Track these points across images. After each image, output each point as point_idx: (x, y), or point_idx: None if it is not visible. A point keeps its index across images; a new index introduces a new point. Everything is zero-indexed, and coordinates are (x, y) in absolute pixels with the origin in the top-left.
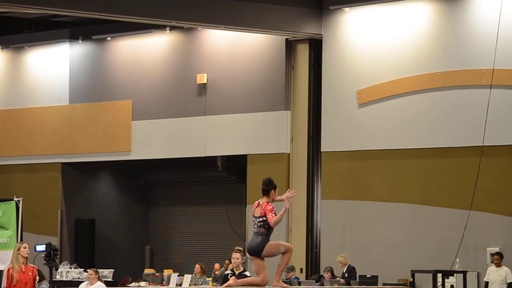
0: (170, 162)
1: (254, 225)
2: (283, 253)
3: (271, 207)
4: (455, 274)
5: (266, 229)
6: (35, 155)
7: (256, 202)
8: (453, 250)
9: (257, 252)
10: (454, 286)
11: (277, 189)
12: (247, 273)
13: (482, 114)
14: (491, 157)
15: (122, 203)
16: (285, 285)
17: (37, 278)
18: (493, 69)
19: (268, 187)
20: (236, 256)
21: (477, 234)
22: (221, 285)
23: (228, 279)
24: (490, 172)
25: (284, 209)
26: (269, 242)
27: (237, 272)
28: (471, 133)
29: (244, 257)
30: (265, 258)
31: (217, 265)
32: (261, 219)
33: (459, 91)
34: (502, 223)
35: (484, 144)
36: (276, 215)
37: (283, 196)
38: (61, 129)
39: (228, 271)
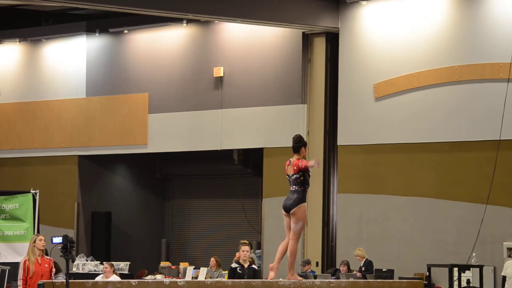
0: (186, 155)
1: (290, 183)
2: (290, 241)
3: (303, 162)
4: (471, 269)
5: (302, 186)
6: (52, 147)
7: (288, 161)
8: (470, 244)
9: (290, 208)
10: (471, 280)
11: (307, 146)
12: (254, 266)
13: (499, 108)
14: (508, 151)
15: (138, 196)
16: (300, 278)
17: (54, 270)
18: (511, 62)
19: (299, 144)
20: (247, 249)
21: (493, 228)
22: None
23: (236, 272)
24: (507, 166)
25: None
26: (302, 206)
27: (245, 266)
28: (488, 127)
29: (258, 250)
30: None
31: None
32: (295, 176)
33: (476, 84)
34: None
35: (501, 138)
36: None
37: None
38: (78, 122)
39: (235, 264)
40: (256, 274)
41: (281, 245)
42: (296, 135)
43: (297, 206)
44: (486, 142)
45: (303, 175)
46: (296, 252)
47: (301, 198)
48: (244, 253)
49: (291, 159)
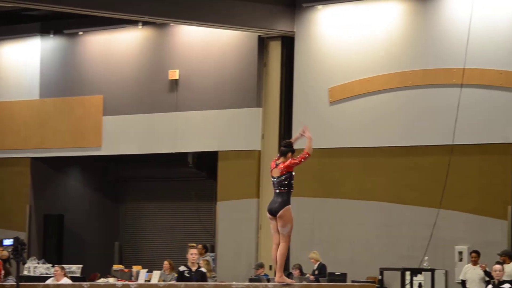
0: (141, 158)
1: (274, 186)
2: (280, 244)
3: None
4: (423, 272)
5: (287, 189)
6: (4, 149)
7: (273, 163)
8: (423, 248)
9: (276, 211)
10: (422, 284)
11: (294, 154)
12: (203, 269)
13: (452, 113)
14: (461, 156)
15: (92, 199)
16: (289, 280)
17: (3, 272)
18: (464, 68)
19: (287, 149)
20: (195, 252)
21: (446, 232)
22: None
23: (184, 276)
24: (459, 170)
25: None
26: (288, 208)
27: (193, 269)
28: (441, 132)
29: (212, 254)
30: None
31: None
32: (282, 177)
33: (430, 89)
34: (470, 222)
35: (454, 143)
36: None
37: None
38: (30, 123)
39: (183, 268)
40: (204, 277)
41: (273, 251)
42: (286, 140)
43: (283, 209)
44: (439, 147)
45: (289, 177)
46: (286, 254)
47: (286, 200)
48: (192, 256)
49: (276, 161)
